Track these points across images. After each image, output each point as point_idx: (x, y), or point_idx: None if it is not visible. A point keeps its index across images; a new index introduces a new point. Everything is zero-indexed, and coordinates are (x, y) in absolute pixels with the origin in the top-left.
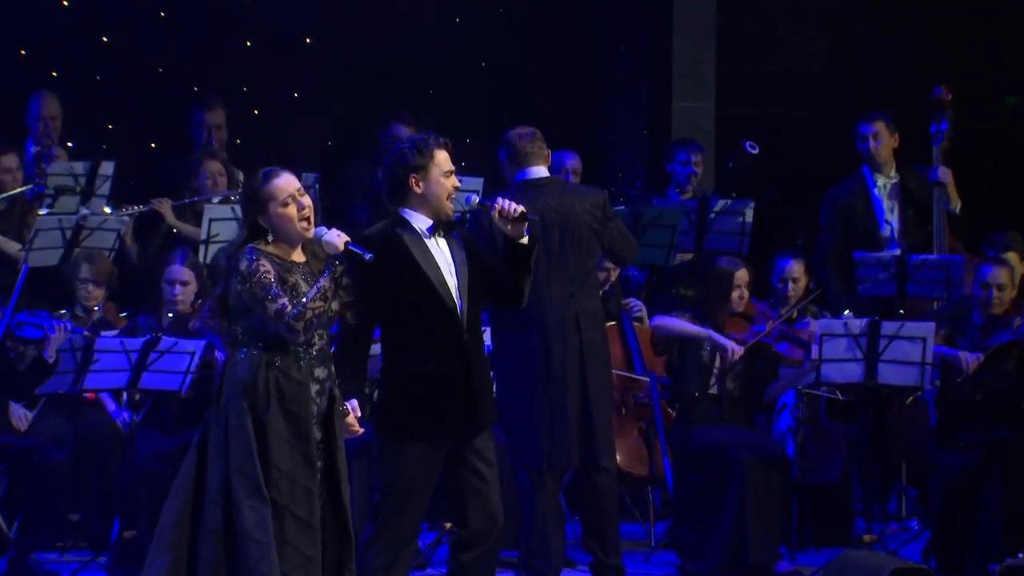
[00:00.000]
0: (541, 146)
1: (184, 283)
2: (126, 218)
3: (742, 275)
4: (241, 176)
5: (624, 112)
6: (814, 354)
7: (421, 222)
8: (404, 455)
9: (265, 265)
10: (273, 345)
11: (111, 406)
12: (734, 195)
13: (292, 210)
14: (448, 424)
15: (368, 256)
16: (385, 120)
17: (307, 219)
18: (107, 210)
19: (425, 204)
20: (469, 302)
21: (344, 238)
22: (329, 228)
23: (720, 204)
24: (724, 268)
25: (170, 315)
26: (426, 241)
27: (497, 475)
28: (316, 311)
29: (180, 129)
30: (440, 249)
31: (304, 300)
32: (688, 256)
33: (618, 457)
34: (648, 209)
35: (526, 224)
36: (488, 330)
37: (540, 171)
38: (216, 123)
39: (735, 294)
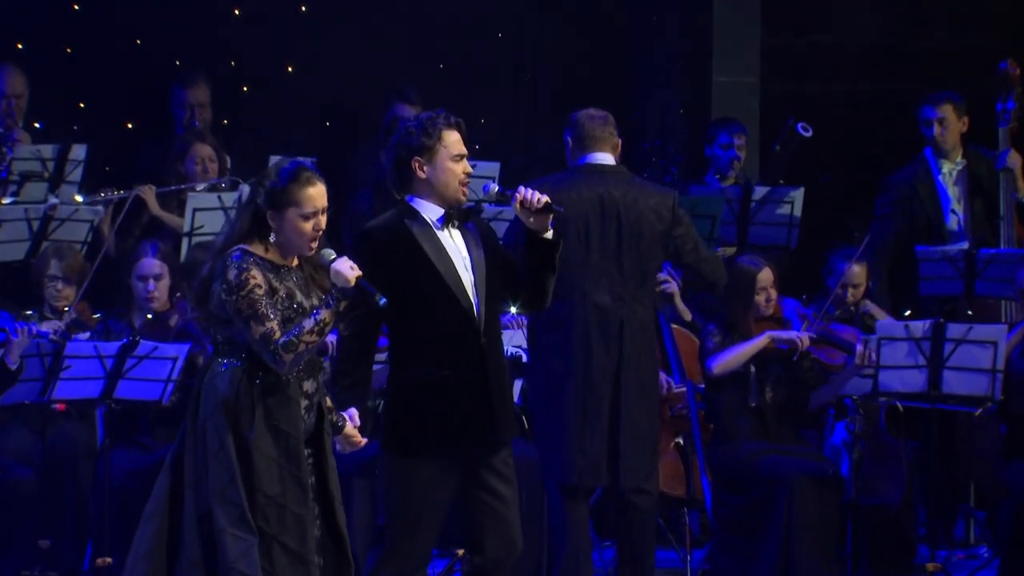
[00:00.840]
0: (612, 132)
1: (158, 277)
2: (100, 207)
3: (765, 276)
4: (229, 162)
5: (657, 88)
6: (857, 357)
7: (431, 212)
8: (412, 474)
9: (255, 277)
10: (258, 357)
11: None
12: (781, 181)
13: (309, 226)
14: (463, 439)
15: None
16: (388, 99)
17: (316, 239)
18: (79, 198)
19: (432, 191)
20: (487, 301)
21: (356, 272)
22: (339, 255)
23: (764, 192)
24: (745, 269)
25: (149, 316)
26: (437, 233)
27: (516, 495)
28: (309, 345)
29: (160, 108)
30: (453, 242)
31: (296, 331)
32: (731, 250)
33: None
34: (685, 198)
35: (551, 216)
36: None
37: (606, 158)
38: (199, 101)
39: (760, 297)
